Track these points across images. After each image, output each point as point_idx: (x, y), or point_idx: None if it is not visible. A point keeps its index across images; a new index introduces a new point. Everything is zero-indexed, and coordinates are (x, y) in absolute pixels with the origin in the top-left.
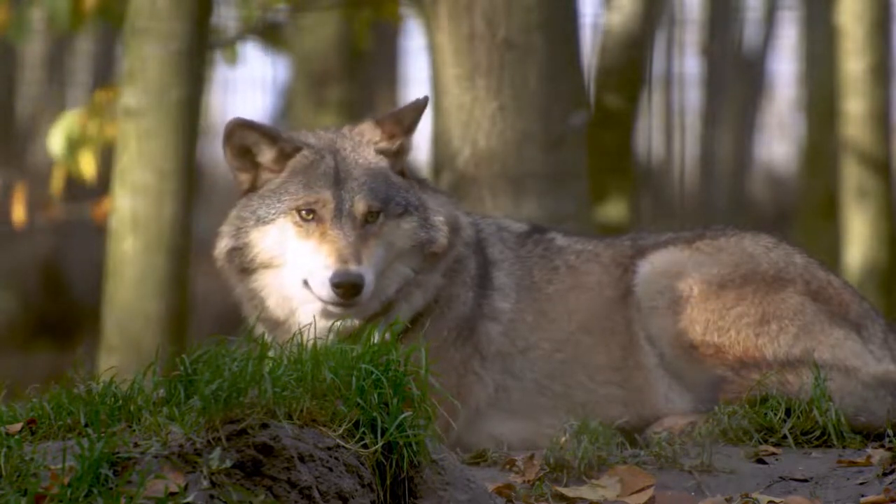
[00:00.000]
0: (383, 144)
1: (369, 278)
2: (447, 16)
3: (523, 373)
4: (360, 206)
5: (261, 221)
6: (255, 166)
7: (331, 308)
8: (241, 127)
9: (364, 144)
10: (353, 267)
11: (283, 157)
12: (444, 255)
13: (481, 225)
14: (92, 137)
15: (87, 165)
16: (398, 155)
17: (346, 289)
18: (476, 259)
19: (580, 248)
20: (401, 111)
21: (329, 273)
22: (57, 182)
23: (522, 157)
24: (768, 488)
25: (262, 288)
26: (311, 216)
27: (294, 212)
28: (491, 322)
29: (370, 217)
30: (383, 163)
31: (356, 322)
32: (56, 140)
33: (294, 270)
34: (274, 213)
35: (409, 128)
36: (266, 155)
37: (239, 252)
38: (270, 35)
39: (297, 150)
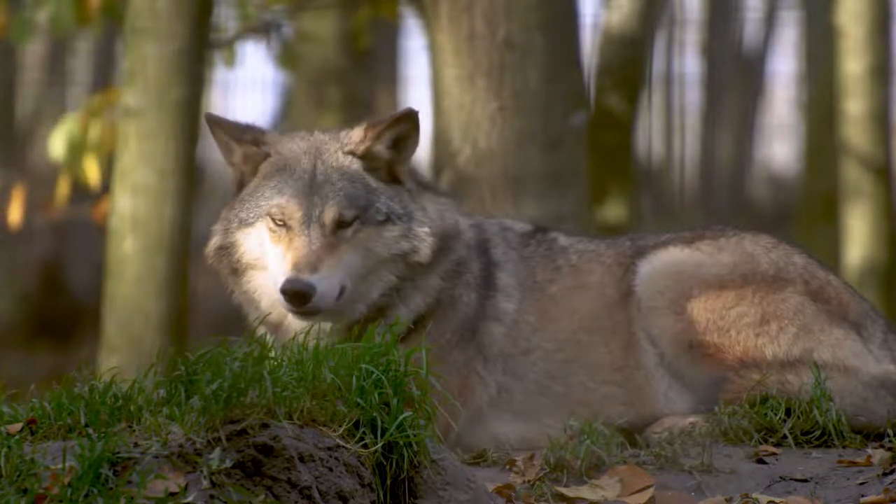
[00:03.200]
0: (363, 148)
1: (322, 287)
2: (447, 16)
3: (525, 373)
4: (329, 214)
5: (243, 223)
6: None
7: (292, 314)
8: (212, 122)
9: (350, 148)
10: (304, 276)
11: (250, 159)
12: (439, 262)
13: (485, 225)
14: (94, 142)
15: (91, 171)
16: (377, 159)
17: (293, 296)
18: (480, 260)
19: (582, 248)
20: (391, 118)
21: (281, 280)
22: (62, 190)
23: (522, 157)
24: (768, 488)
25: (255, 289)
26: (281, 222)
27: (268, 217)
28: (494, 323)
29: (343, 223)
30: (366, 168)
31: (336, 326)
32: (58, 144)
33: (271, 274)
34: (253, 217)
35: (399, 136)
36: (235, 154)
37: (226, 251)
38: (281, 52)
39: (266, 155)
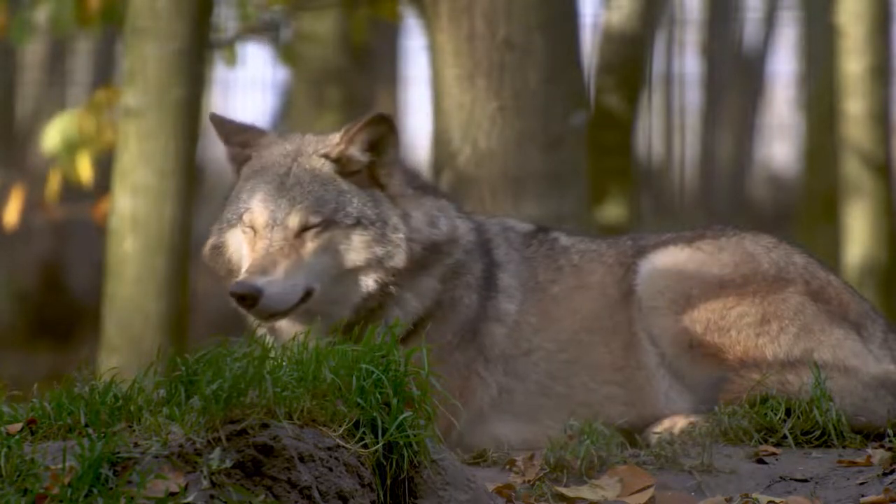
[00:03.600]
0: (337, 151)
1: (271, 289)
2: (447, 16)
3: (526, 374)
4: (294, 217)
5: (229, 224)
6: None
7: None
8: (213, 122)
9: (324, 152)
10: (253, 278)
11: (235, 160)
12: (432, 265)
13: (486, 225)
14: (89, 138)
15: (84, 169)
16: (354, 163)
17: (239, 299)
18: (482, 261)
19: (583, 247)
20: (362, 122)
21: (232, 283)
22: (53, 185)
23: (522, 157)
24: (768, 488)
25: None
26: (250, 224)
27: (241, 219)
28: (496, 324)
29: (308, 226)
30: (340, 171)
31: (327, 327)
32: (51, 139)
33: None
34: (235, 219)
35: (374, 139)
36: (227, 153)
37: (218, 251)
38: (282, 50)
39: (248, 157)
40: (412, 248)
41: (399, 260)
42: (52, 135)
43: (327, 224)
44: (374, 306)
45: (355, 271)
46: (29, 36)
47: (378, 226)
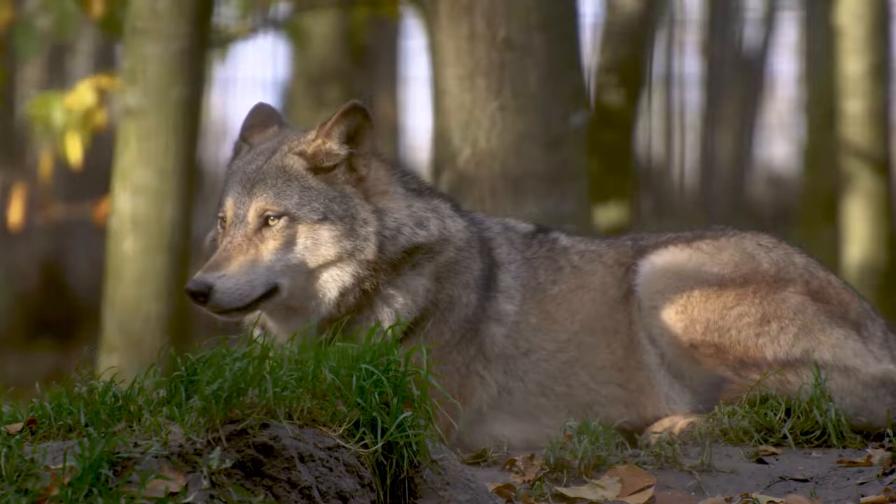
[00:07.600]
0: (313, 147)
1: (222, 285)
2: (447, 16)
3: (526, 374)
4: (252, 212)
5: (216, 220)
6: None
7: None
8: (254, 107)
9: (299, 149)
10: (207, 275)
11: (233, 152)
12: (420, 264)
13: (487, 224)
14: (78, 119)
15: (74, 149)
16: (332, 157)
17: (192, 297)
18: (482, 260)
19: (584, 248)
20: (337, 114)
21: (188, 281)
22: (45, 166)
23: (522, 157)
24: (768, 488)
25: None
26: (223, 222)
27: (219, 216)
28: (495, 324)
29: (268, 221)
30: (311, 167)
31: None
32: (36, 108)
33: None
34: (218, 215)
35: (351, 130)
36: (233, 144)
37: (213, 245)
38: (290, 29)
39: (237, 155)
40: (382, 242)
41: (369, 252)
42: (37, 105)
43: (291, 219)
44: (358, 303)
45: (327, 266)
46: (37, 48)
47: (346, 221)
